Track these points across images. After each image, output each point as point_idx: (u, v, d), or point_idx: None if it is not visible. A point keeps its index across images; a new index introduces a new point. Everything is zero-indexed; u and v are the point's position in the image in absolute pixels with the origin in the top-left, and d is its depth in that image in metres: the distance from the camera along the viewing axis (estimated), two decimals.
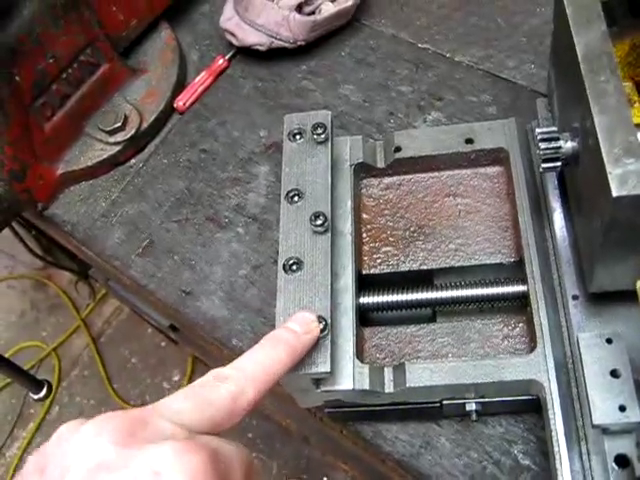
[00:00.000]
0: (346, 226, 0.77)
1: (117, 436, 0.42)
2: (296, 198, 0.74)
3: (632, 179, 0.52)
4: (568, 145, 0.64)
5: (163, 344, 2.39)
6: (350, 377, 0.68)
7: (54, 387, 2.38)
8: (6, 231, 1.95)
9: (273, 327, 0.66)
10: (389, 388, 0.69)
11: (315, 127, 0.77)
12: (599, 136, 0.54)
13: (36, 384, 1.44)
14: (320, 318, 0.65)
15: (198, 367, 2.31)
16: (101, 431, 0.43)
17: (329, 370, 0.64)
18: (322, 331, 0.65)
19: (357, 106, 0.99)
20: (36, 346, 2.50)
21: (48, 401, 2.35)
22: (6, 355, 2.40)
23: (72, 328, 2.51)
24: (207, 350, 1.27)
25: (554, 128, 0.65)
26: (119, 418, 0.44)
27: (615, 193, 0.51)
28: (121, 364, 2.43)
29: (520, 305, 0.73)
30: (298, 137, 0.78)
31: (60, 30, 0.94)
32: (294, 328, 0.62)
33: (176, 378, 2.34)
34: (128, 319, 2.48)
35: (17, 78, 0.91)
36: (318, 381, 0.68)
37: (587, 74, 0.58)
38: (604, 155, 0.53)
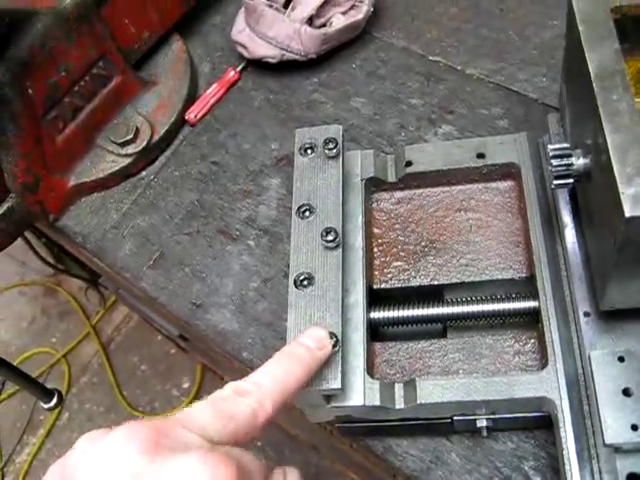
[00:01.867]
0: (357, 241, 0.77)
1: (145, 446, 0.43)
2: (307, 213, 0.74)
3: None
4: (580, 162, 0.64)
5: (173, 351, 2.40)
6: (361, 393, 0.68)
7: (64, 393, 2.39)
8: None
9: (283, 340, 0.66)
10: (400, 404, 0.69)
11: (326, 142, 0.77)
12: (612, 155, 0.54)
13: (46, 393, 1.45)
14: (331, 334, 0.65)
15: (207, 375, 2.32)
16: (129, 440, 0.43)
17: (340, 387, 0.64)
18: (333, 347, 0.65)
19: (368, 119, 0.99)
20: (46, 352, 2.51)
21: (58, 408, 2.36)
22: (17, 361, 2.44)
23: (82, 335, 2.52)
24: (217, 360, 1.28)
25: (566, 145, 0.65)
26: (145, 428, 0.44)
27: (628, 213, 0.51)
28: (130, 371, 2.44)
29: (531, 321, 0.73)
30: (309, 152, 0.78)
31: (72, 43, 0.94)
32: (308, 344, 0.62)
33: (186, 385, 2.35)
34: (138, 326, 2.49)
35: (30, 91, 0.92)
36: (329, 397, 0.68)
37: (600, 92, 0.58)
38: (617, 174, 0.53)
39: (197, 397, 2.30)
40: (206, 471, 0.42)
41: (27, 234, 1.99)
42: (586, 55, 0.60)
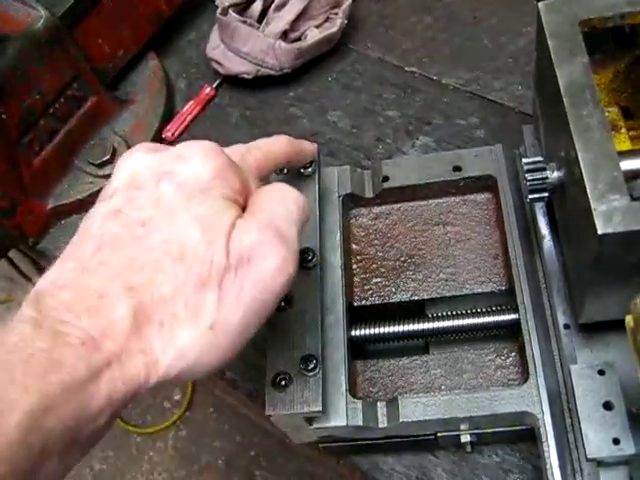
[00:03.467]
0: (336, 258, 0.76)
1: (146, 149, 0.55)
2: None
3: (617, 216, 0.51)
4: (554, 175, 0.64)
5: None
6: (343, 413, 0.67)
7: None
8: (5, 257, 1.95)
9: (265, 357, 0.67)
10: (383, 423, 0.69)
11: None
12: (583, 171, 0.54)
13: None
14: (310, 357, 0.65)
15: (198, 386, 2.31)
16: (135, 148, 0.55)
17: (321, 409, 0.63)
18: (313, 370, 0.64)
19: (345, 133, 0.99)
20: None
21: None
22: None
23: None
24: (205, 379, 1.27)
25: (540, 158, 0.65)
26: (146, 143, 0.56)
27: (600, 230, 0.51)
28: None
29: (512, 333, 0.72)
30: (285, 170, 0.78)
31: (45, 66, 0.93)
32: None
33: (177, 397, 2.33)
34: None
35: (3, 116, 0.91)
36: (311, 419, 0.67)
37: (570, 108, 0.58)
38: (588, 191, 0.53)
39: (188, 409, 2.29)
40: (193, 144, 0.54)
41: (13, 254, 1.98)
42: (556, 70, 0.60)
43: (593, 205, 0.52)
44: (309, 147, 0.74)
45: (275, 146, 0.66)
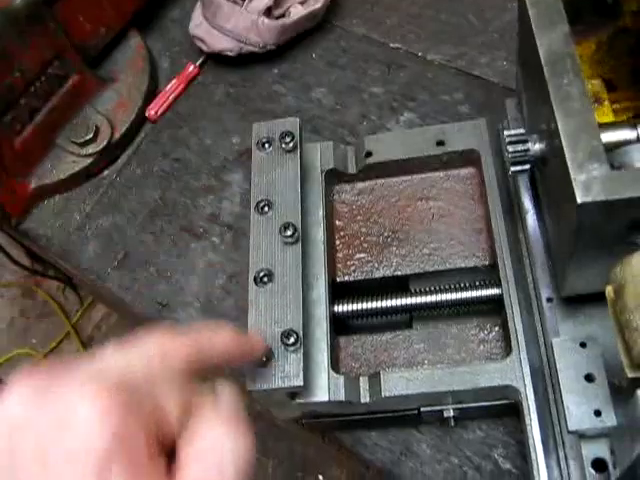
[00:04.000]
0: (318, 234, 0.76)
1: (28, 396, 0.40)
2: (266, 209, 0.73)
3: (596, 185, 0.51)
4: (536, 147, 0.63)
5: None
6: (325, 388, 0.67)
7: None
8: None
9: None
10: (365, 398, 0.68)
11: (283, 136, 0.76)
12: (563, 141, 0.54)
13: None
14: (291, 331, 0.65)
15: None
16: (15, 392, 0.40)
17: (302, 384, 0.63)
18: (294, 344, 0.64)
19: (329, 109, 0.98)
20: (26, 354, 2.49)
21: None
22: None
23: (62, 334, 2.50)
24: None
25: (522, 130, 0.65)
26: (33, 378, 0.41)
27: (580, 200, 0.51)
28: None
29: (496, 308, 0.72)
30: (267, 146, 0.77)
31: (25, 44, 0.92)
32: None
33: None
34: (118, 323, 2.47)
35: None
36: (293, 394, 0.67)
37: (550, 77, 0.57)
38: (568, 161, 0.52)
39: None
40: (77, 402, 0.38)
41: (1, 237, 1.97)
42: (536, 39, 0.59)
43: (572, 174, 0.52)
44: (258, 346, 0.61)
45: (214, 338, 0.51)
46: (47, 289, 2.59)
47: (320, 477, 2.07)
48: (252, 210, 0.74)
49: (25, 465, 0.38)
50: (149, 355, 0.44)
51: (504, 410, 0.70)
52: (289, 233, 0.70)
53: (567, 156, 0.53)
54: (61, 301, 2.56)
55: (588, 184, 0.51)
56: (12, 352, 2.50)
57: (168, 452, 0.42)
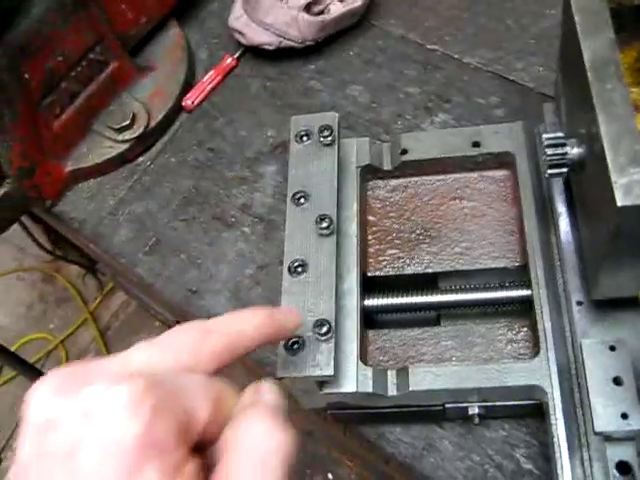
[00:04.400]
0: (352, 228, 0.77)
1: (58, 385, 0.40)
2: (302, 200, 0.74)
3: (637, 188, 0.52)
4: (574, 151, 0.64)
5: None
6: (353, 380, 0.68)
7: None
8: (15, 224, 1.97)
9: None
10: (392, 391, 0.69)
11: (322, 129, 0.77)
12: (605, 144, 0.54)
13: (39, 376, 1.45)
14: (324, 321, 0.66)
15: None
16: (46, 381, 0.40)
17: (332, 373, 0.64)
18: (326, 334, 0.65)
19: (365, 107, 0.99)
20: (43, 338, 2.51)
21: None
22: (14, 346, 2.44)
23: (80, 321, 2.52)
24: None
25: (560, 134, 0.65)
26: (64, 369, 0.41)
27: (620, 203, 0.51)
28: None
29: (524, 309, 0.73)
30: (305, 139, 0.78)
31: (69, 28, 0.94)
32: (277, 309, 0.58)
33: None
34: (135, 312, 2.49)
35: (26, 76, 0.91)
36: (322, 383, 0.68)
37: (594, 82, 0.58)
38: (609, 164, 0.53)
39: None
40: (105, 395, 0.38)
41: (25, 220, 1.99)
42: (581, 44, 0.60)
43: (614, 178, 0.52)
44: (293, 320, 0.58)
45: (247, 325, 0.50)
46: (67, 275, 2.62)
47: (330, 475, 2.08)
48: (288, 201, 0.75)
49: (55, 461, 0.37)
50: (180, 353, 0.45)
51: (528, 410, 0.71)
52: (325, 225, 0.71)
53: (609, 159, 0.53)
54: (80, 288, 2.58)
55: (629, 187, 0.52)
56: (29, 336, 2.52)
57: (199, 450, 0.41)
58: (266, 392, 0.46)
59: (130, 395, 0.37)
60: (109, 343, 2.47)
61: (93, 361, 0.42)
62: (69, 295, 2.59)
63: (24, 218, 1.94)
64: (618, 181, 0.52)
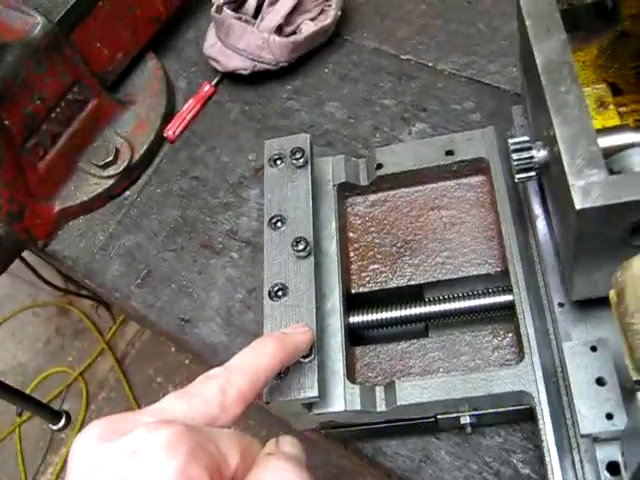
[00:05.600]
0: (332, 247, 0.77)
1: (100, 432, 0.44)
2: (279, 224, 0.75)
3: (595, 190, 0.52)
4: (540, 154, 0.64)
5: (187, 362, 2.41)
6: (341, 398, 0.68)
7: (82, 411, 2.41)
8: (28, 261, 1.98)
9: None
10: (381, 407, 0.69)
11: (293, 152, 0.77)
12: (561, 147, 0.54)
13: (55, 415, 1.47)
14: None
15: None
16: (90, 430, 0.44)
17: (317, 395, 0.64)
18: (308, 356, 0.65)
19: (342, 123, 1.00)
20: (63, 372, 2.53)
21: (77, 425, 2.38)
22: (34, 382, 2.47)
23: (97, 351, 2.54)
24: None
25: (526, 138, 0.65)
26: (104, 419, 0.45)
27: (578, 205, 0.51)
28: (147, 384, 2.45)
29: (509, 315, 0.73)
30: (278, 162, 0.79)
31: (45, 72, 0.95)
32: (284, 331, 0.65)
33: None
34: (150, 339, 2.51)
35: (6, 122, 0.93)
36: (310, 405, 0.68)
37: (548, 85, 0.58)
38: (566, 167, 0.53)
39: None
40: (149, 436, 0.41)
41: (34, 258, 2.02)
42: (533, 48, 0.60)
43: (571, 181, 0.53)
44: (303, 339, 0.65)
45: (261, 360, 0.56)
46: (81, 307, 2.64)
47: None
48: (265, 226, 0.75)
49: None
50: (207, 403, 0.48)
51: (521, 415, 0.71)
52: (301, 247, 0.71)
53: (565, 162, 0.54)
54: (95, 319, 2.60)
55: (587, 190, 0.52)
56: (49, 370, 2.55)
57: None
58: (285, 444, 0.50)
59: (168, 438, 0.41)
60: (127, 371, 2.49)
61: (128, 413, 0.46)
62: (85, 327, 2.61)
63: (32, 257, 1.96)
64: (575, 183, 0.52)
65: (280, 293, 0.71)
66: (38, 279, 2.22)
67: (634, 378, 0.50)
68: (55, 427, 1.46)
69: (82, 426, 2.41)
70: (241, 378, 0.52)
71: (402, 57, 1.03)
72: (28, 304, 2.72)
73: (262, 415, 2.18)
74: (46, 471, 2.38)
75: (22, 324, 2.70)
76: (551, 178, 0.63)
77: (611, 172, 0.53)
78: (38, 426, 2.45)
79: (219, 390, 0.50)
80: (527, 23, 0.61)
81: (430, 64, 1.01)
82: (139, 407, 2.38)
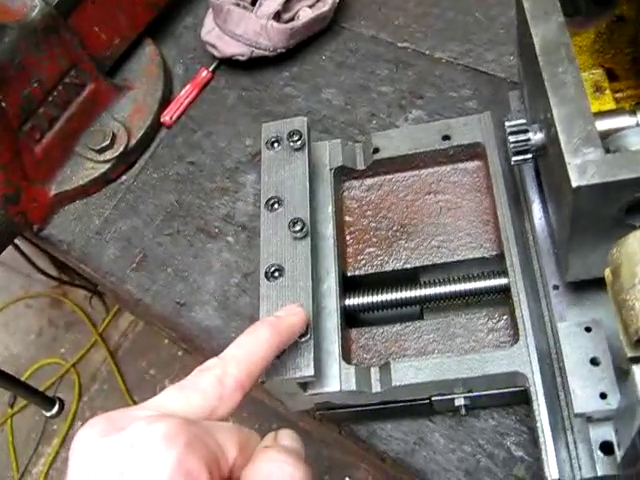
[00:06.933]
0: (328, 230, 0.77)
1: (100, 427, 0.44)
2: (276, 205, 0.75)
3: (591, 168, 0.52)
4: (537, 137, 0.64)
5: (180, 354, 2.41)
6: (337, 379, 0.68)
7: (75, 402, 2.41)
8: (19, 254, 1.98)
9: None
10: (376, 388, 0.70)
11: (291, 134, 0.78)
12: (558, 127, 0.55)
13: (48, 402, 1.46)
14: None
15: None
16: (90, 426, 0.44)
17: (312, 374, 0.64)
18: (304, 335, 0.66)
19: (339, 109, 1.00)
20: (55, 363, 2.53)
21: (70, 416, 2.38)
22: (27, 373, 2.46)
23: (90, 343, 2.54)
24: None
25: (523, 120, 0.66)
26: (104, 415, 0.46)
27: (575, 183, 0.52)
28: (140, 376, 2.45)
29: (504, 298, 0.73)
30: (275, 145, 0.79)
31: (42, 55, 0.95)
32: (277, 314, 0.64)
33: None
34: (144, 331, 2.51)
35: (3, 104, 0.93)
36: (305, 385, 0.69)
37: (545, 66, 0.58)
38: (563, 145, 0.54)
39: None
40: (147, 429, 0.42)
41: (28, 248, 2.02)
42: (531, 30, 0.60)
43: (567, 159, 0.53)
44: (298, 321, 0.64)
45: (257, 347, 0.56)
46: (74, 299, 2.64)
47: (347, 479, 2.08)
48: (262, 207, 0.75)
49: None
50: (205, 395, 0.49)
51: (515, 398, 0.71)
52: (298, 228, 0.72)
53: (562, 141, 0.54)
54: (88, 310, 2.60)
55: (583, 168, 0.52)
56: (41, 362, 2.54)
57: None
58: (284, 437, 0.51)
59: (166, 430, 0.42)
60: (120, 363, 2.49)
61: (127, 408, 0.47)
62: (78, 318, 2.61)
63: (27, 246, 1.96)
64: (572, 162, 0.53)
65: (276, 274, 0.71)
66: (32, 268, 2.21)
67: (628, 355, 0.50)
68: (48, 414, 1.46)
69: (75, 417, 2.41)
70: (238, 368, 0.52)
71: (399, 45, 1.04)
72: (21, 295, 2.71)
73: (256, 408, 2.19)
74: (38, 462, 2.38)
75: (15, 315, 2.70)
76: (548, 160, 0.63)
77: (607, 151, 0.54)
78: (30, 417, 2.45)
79: (216, 381, 0.50)
80: (525, 4, 0.62)
81: (427, 52, 1.02)
82: (132, 399, 2.38)
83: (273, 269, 0.71)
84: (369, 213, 0.82)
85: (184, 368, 2.40)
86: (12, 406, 2.45)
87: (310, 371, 0.65)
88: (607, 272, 0.53)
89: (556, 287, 0.70)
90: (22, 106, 0.96)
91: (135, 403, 2.35)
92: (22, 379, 2.45)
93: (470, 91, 0.95)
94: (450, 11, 1.04)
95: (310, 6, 1.04)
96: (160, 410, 0.46)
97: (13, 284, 2.71)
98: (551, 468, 0.62)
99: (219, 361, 0.52)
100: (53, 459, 2.35)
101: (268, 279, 0.71)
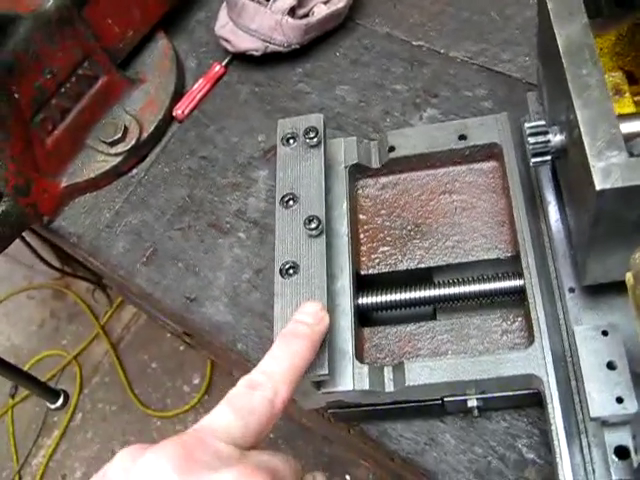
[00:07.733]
0: (342, 228, 0.77)
1: (178, 462, 0.44)
2: (291, 202, 0.75)
3: (615, 172, 0.52)
4: (557, 138, 0.64)
5: (182, 348, 2.41)
6: (350, 378, 0.68)
7: (76, 394, 2.41)
8: (22, 244, 1.98)
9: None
10: (389, 387, 0.69)
11: (307, 131, 0.77)
12: (582, 129, 0.54)
13: (53, 394, 1.46)
14: None
15: (217, 370, 2.33)
16: (163, 458, 0.44)
17: (327, 372, 0.64)
18: None
19: (353, 107, 1.00)
20: (57, 355, 2.53)
21: (71, 408, 2.38)
22: (28, 364, 2.46)
23: (92, 335, 2.54)
24: (218, 354, 1.28)
25: (542, 122, 0.65)
26: (177, 444, 0.46)
27: (598, 186, 0.52)
28: (141, 369, 2.45)
29: (519, 299, 0.73)
30: (291, 141, 0.78)
31: (56, 46, 0.95)
32: (306, 320, 0.63)
33: (196, 381, 2.36)
34: (146, 324, 2.51)
35: (16, 95, 0.92)
36: (318, 383, 0.68)
37: (569, 67, 0.58)
38: (587, 148, 0.53)
39: (207, 392, 2.32)
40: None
41: (33, 239, 2.01)
42: (555, 31, 0.60)
43: (591, 162, 0.53)
44: (325, 328, 0.63)
45: (299, 363, 0.57)
46: (77, 291, 2.63)
47: (347, 477, 2.08)
48: (277, 204, 0.75)
49: None
50: (261, 418, 0.50)
51: (527, 400, 0.71)
52: (313, 225, 0.71)
53: (586, 144, 0.54)
54: (90, 303, 2.60)
55: (607, 171, 0.52)
56: (43, 353, 2.54)
57: None
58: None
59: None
60: (122, 356, 2.49)
61: (189, 435, 0.48)
62: (80, 310, 2.61)
63: (31, 237, 1.96)
64: (596, 165, 0.53)
65: (291, 271, 0.71)
66: (35, 259, 2.21)
67: None
68: (53, 406, 1.46)
69: (75, 409, 2.41)
70: (284, 387, 0.53)
71: (414, 43, 1.03)
72: (23, 286, 2.71)
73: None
74: (38, 453, 2.38)
75: (17, 306, 2.70)
76: (568, 162, 0.63)
77: (631, 155, 0.53)
78: (31, 408, 2.45)
79: (269, 404, 0.51)
80: (549, 5, 0.61)
81: (442, 51, 1.01)
82: (132, 392, 2.38)
83: (288, 266, 0.71)
84: (383, 212, 0.82)
85: (185, 362, 2.40)
86: (13, 396, 2.44)
87: (324, 370, 0.64)
88: (628, 276, 0.53)
89: (572, 290, 0.70)
90: (34, 97, 0.95)
91: (136, 397, 2.36)
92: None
93: (485, 91, 0.95)
94: (465, 10, 1.04)
95: (325, 2, 1.04)
96: (223, 438, 0.47)
97: (16, 275, 2.71)
98: (565, 472, 0.62)
99: (267, 379, 0.53)
100: (53, 451, 2.35)
101: (283, 276, 0.71)
